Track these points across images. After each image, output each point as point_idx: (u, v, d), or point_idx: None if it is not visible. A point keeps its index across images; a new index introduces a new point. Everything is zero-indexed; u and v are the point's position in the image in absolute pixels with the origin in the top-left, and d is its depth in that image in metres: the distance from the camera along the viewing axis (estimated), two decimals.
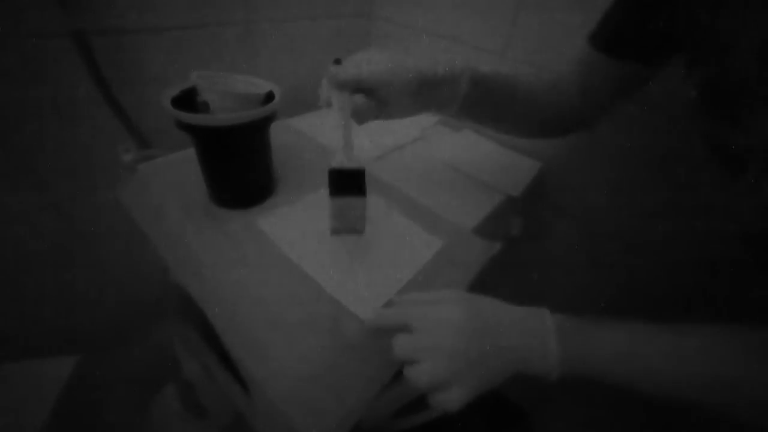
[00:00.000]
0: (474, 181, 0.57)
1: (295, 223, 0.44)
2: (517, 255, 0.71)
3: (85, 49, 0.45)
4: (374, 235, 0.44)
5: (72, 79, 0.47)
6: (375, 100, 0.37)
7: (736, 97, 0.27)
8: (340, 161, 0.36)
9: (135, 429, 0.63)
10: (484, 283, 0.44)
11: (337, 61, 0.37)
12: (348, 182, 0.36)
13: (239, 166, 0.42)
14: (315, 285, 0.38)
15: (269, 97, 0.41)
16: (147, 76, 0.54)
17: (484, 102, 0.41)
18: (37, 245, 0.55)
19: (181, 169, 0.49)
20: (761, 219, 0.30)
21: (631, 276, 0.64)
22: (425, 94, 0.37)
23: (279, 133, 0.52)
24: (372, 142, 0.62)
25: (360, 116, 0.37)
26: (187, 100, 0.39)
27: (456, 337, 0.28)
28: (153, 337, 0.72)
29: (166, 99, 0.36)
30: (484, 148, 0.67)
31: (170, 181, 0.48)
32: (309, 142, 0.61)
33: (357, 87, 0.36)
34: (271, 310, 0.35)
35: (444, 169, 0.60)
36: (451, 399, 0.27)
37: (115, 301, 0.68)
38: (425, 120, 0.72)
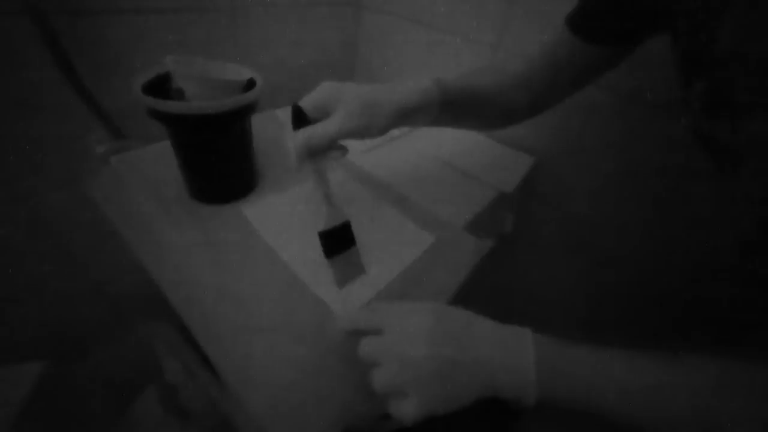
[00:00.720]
0: (465, 177, 0.56)
1: (281, 214, 0.42)
2: (507, 252, 0.70)
3: (46, 30, 0.42)
4: (363, 229, 0.42)
5: (36, 64, 0.44)
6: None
7: (738, 101, 0.26)
8: (327, 222, 0.36)
9: None
10: (473, 283, 0.43)
11: (297, 111, 0.34)
12: (338, 239, 0.36)
13: (218, 159, 0.39)
14: (298, 283, 0.36)
15: (250, 84, 0.39)
16: (120, 61, 0.50)
17: (452, 115, 0.41)
18: (5, 243, 0.52)
19: (157, 161, 0.46)
20: (753, 221, 0.29)
21: (622, 273, 0.64)
22: (398, 123, 0.36)
23: (263, 125, 0.49)
24: None
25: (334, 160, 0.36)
26: (161, 86, 0.36)
27: (420, 345, 0.26)
28: (132, 338, 0.69)
29: (136, 85, 0.34)
30: (475, 142, 0.66)
31: (145, 174, 0.45)
32: None
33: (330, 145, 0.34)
34: (250, 311, 0.33)
35: (434, 163, 0.58)
36: (405, 410, 0.25)
37: (90, 300, 0.65)
38: None
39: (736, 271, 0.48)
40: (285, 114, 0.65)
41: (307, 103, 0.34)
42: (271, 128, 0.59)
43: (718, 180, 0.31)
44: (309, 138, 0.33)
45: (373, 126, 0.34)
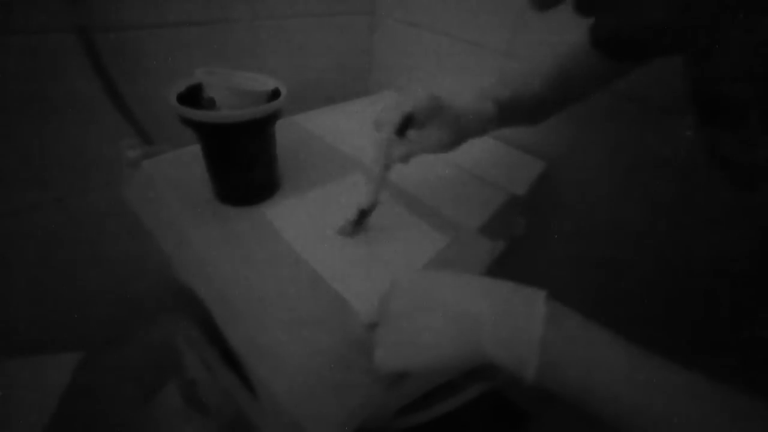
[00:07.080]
0: (478, 180, 0.57)
1: (302, 215, 0.45)
2: (518, 255, 0.71)
3: (89, 45, 0.45)
4: (380, 229, 0.44)
5: (75, 75, 0.47)
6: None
7: (741, 114, 0.26)
8: (369, 201, 0.40)
9: (137, 426, 0.63)
10: None
11: (410, 119, 0.38)
12: (367, 216, 0.42)
13: (245, 163, 0.41)
14: (320, 280, 0.38)
15: (275, 94, 0.41)
16: (150, 72, 0.53)
17: (501, 124, 0.46)
18: (39, 241, 0.55)
19: (185, 165, 0.49)
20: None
21: (630, 278, 0.64)
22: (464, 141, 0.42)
23: (282, 131, 0.52)
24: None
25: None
26: (193, 96, 0.39)
27: (394, 298, 0.28)
28: (155, 334, 0.72)
29: (172, 95, 0.36)
30: (487, 146, 0.67)
31: (174, 177, 0.48)
32: (313, 140, 0.61)
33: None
34: (276, 307, 0.35)
35: (448, 166, 0.60)
36: (376, 359, 0.27)
37: (117, 297, 0.68)
38: None
39: (749, 280, 0.48)
40: (304, 120, 0.67)
41: (415, 109, 0.37)
42: (291, 134, 0.62)
43: (732, 190, 0.31)
44: (411, 154, 0.39)
45: (454, 144, 0.40)
